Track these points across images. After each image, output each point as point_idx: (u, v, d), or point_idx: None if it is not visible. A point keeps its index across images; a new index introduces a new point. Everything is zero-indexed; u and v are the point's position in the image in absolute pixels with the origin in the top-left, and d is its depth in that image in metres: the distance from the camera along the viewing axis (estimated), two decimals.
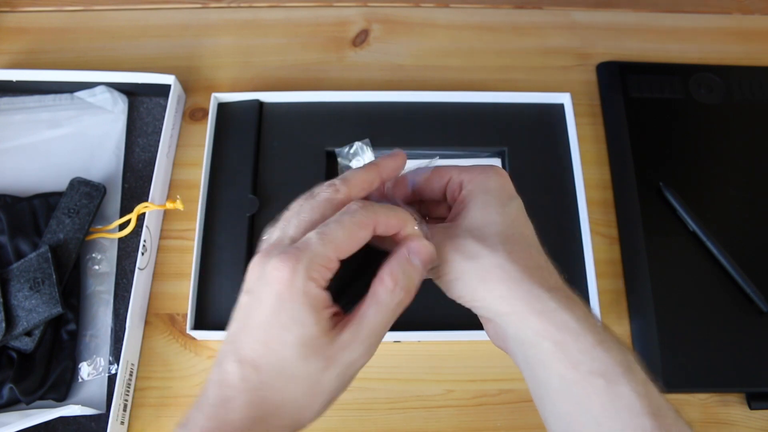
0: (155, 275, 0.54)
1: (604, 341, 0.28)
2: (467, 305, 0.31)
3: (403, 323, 0.50)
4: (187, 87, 0.62)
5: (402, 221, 0.29)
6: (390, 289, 0.27)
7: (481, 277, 0.29)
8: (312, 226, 0.28)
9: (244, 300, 0.28)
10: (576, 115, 0.57)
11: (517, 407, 0.50)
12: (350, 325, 0.27)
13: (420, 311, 0.52)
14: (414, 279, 0.28)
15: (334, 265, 0.27)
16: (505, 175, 0.33)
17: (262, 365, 0.26)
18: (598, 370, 0.28)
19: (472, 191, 0.32)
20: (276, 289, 0.26)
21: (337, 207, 0.29)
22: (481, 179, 0.32)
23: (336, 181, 0.30)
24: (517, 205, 0.32)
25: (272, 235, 0.29)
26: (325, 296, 0.27)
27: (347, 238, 0.27)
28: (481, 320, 0.35)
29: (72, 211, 0.52)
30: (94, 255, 0.53)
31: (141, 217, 0.53)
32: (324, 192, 0.29)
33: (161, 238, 0.56)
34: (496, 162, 0.58)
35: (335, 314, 0.27)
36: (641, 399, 0.27)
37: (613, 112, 0.60)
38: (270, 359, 0.26)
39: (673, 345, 0.50)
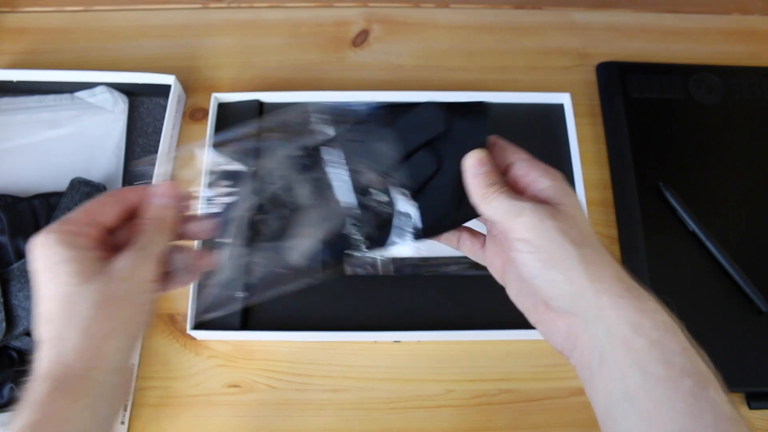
0: None
1: (693, 345, 0.29)
2: (538, 292, 0.31)
3: (403, 323, 0.50)
4: (188, 87, 0.62)
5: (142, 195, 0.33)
6: (150, 231, 0.33)
7: (585, 263, 0.30)
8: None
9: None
10: (576, 115, 0.57)
11: (517, 407, 0.50)
12: (115, 263, 0.31)
13: (420, 311, 0.52)
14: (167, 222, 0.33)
15: (89, 228, 0.31)
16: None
17: (55, 322, 0.30)
18: (690, 370, 0.28)
19: (558, 189, 0.32)
20: (38, 255, 0.30)
21: None
22: (562, 185, 0.33)
23: None
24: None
25: None
26: (79, 242, 0.30)
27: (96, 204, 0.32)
28: (526, 307, 0.34)
29: (72, 211, 0.52)
30: None
31: None
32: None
33: None
34: None
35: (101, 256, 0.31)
36: (725, 405, 0.27)
37: (612, 112, 0.60)
38: (56, 311, 0.30)
39: None
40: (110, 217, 0.32)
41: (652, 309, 0.29)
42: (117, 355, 0.30)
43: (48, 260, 0.30)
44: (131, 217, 0.34)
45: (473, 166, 0.33)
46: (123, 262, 0.31)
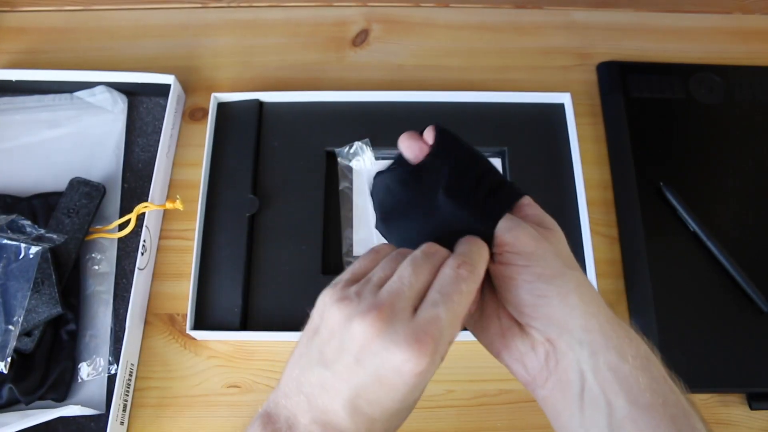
0: (155, 275, 0.54)
1: (671, 376, 0.29)
2: (520, 313, 0.30)
3: None
4: (187, 87, 0.62)
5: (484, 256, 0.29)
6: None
7: (577, 284, 0.29)
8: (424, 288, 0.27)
9: (345, 360, 0.26)
10: (576, 115, 0.57)
11: (517, 407, 0.50)
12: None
13: None
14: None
15: None
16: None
17: (366, 411, 0.26)
18: (673, 400, 0.28)
19: (547, 217, 0.33)
20: (404, 380, 0.25)
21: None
22: (549, 217, 0.33)
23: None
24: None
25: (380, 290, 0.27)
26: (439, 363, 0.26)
27: (466, 306, 0.27)
28: (493, 332, 0.32)
29: (72, 211, 0.52)
30: (93, 255, 0.53)
31: (141, 217, 0.53)
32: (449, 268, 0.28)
33: (161, 238, 0.56)
34: (496, 162, 0.58)
35: None
36: None
37: (613, 112, 0.60)
38: (373, 410, 0.26)
39: (674, 345, 0.50)
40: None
41: (636, 338, 0.29)
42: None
43: (406, 392, 0.26)
44: None
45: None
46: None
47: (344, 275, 0.29)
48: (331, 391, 0.26)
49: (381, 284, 0.27)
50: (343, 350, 0.26)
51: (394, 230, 0.33)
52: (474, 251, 0.29)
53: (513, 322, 0.31)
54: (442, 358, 0.26)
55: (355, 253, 0.54)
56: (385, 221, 0.34)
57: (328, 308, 0.27)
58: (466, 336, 0.51)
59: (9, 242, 0.48)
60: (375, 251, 0.30)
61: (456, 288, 0.27)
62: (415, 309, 0.26)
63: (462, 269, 0.27)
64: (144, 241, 0.51)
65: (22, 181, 0.56)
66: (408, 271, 0.27)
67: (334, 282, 0.28)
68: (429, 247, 0.29)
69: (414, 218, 0.32)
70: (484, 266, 0.29)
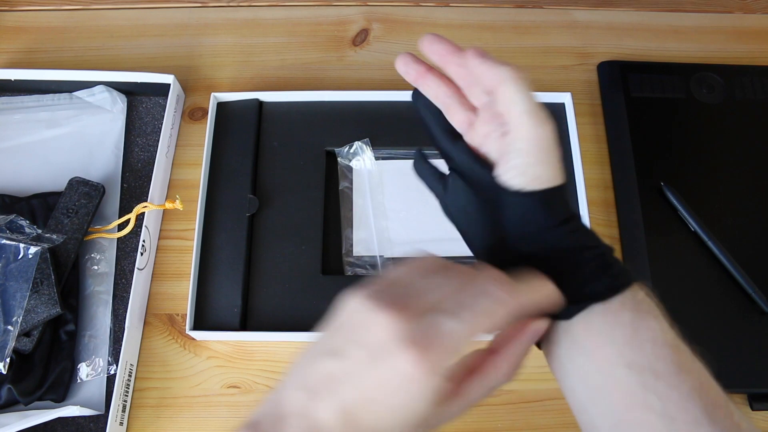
0: (154, 275, 0.54)
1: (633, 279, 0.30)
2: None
3: None
4: (187, 86, 0.62)
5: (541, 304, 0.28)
6: (504, 374, 0.28)
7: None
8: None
9: (356, 354, 0.25)
10: (577, 114, 0.57)
11: (517, 407, 0.50)
12: (455, 400, 0.26)
13: None
14: (523, 359, 0.29)
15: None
16: None
17: (362, 422, 0.24)
18: (629, 304, 0.28)
19: None
20: (402, 383, 0.24)
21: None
22: None
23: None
24: None
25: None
26: (447, 387, 0.25)
27: (489, 324, 0.26)
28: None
29: (71, 211, 0.52)
30: (93, 255, 0.53)
31: (140, 217, 0.53)
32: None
33: (160, 238, 0.56)
34: None
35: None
36: (665, 334, 0.28)
37: (614, 112, 0.60)
38: (370, 421, 0.24)
39: None
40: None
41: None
42: None
43: (406, 400, 0.25)
44: None
45: None
46: (449, 418, 0.27)
47: (376, 281, 0.28)
48: (332, 387, 0.25)
49: (417, 293, 0.26)
50: (358, 344, 0.25)
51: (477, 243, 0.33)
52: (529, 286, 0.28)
53: None
54: (463, 397, 0.26)
55: (355, 253, 0.54)
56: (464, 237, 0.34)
57: (355, 302, 0.26)
58: None
59: (8, 242, 0.48)
60: (413, 264, 0.29)
61: (482, 306, 0.26)
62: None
63: (499, 291, 0.27)
64: (143, 241, 0.51)
65: (21, 180, 0.56)
66: (442, 282, 0.27)
67: (363, 285, 0.27)
68: (479, 265, 0.28)
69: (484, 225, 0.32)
70: (527, 301, 0.28)
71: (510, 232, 0.31)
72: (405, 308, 0.25)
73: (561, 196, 0.31)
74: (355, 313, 0.26)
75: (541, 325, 0.29)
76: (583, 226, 0.31)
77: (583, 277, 0.29)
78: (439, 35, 0.32)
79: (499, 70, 0.29)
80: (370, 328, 0.25)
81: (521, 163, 0.30)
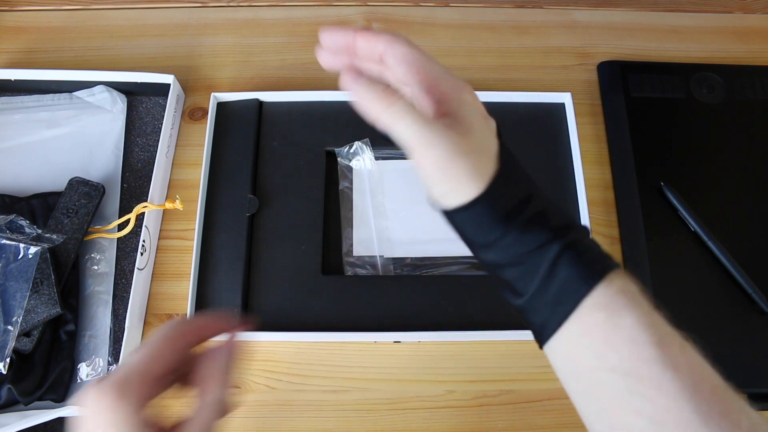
0: (154, 275, 0.54)
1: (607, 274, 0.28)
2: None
3: (403, 323, 0.50)
4: (187, 86, 0.62)
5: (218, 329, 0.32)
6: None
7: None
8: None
9: None
10: (577, 114, 0.57)
11: (517, 408, 0.50)
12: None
13: (420, 311, 0.51)
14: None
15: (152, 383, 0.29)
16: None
17: None
18: (600, 303, 0.27)
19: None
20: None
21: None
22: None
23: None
24: None
25: None
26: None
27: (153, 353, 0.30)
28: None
29: (71, 211, 0.52)
30: (93, 255, 0.53)
31: (140, 217, 0.53)
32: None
33: (160, 238, 0.56)
34: None
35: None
36: (645, 329, 0.26)
37: (614, 112, 0.60)
38: None
39: None
40: (165, 368, 0.31)
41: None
42: None
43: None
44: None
45: None
46: None
47: None
48: None
49: None
50: None
51: None
52: None
53: None
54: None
55: (355, 253, 0.54)
56: None
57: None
58: (467, 336, 0.51)
59: (8, 242, 0.48)
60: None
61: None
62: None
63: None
64: (143, 241, 0.51)
65: (21, 180, 0.56)
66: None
67: None
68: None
69: None
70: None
71: (478, 243, 0.30)
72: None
73: (486, 207, 0.28)
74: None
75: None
76: (538, 217, 0.28)
77: (545, 301, 0.28)
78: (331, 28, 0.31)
79: (383, 36, 0.29)
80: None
81: (427, 185, 0.29)
